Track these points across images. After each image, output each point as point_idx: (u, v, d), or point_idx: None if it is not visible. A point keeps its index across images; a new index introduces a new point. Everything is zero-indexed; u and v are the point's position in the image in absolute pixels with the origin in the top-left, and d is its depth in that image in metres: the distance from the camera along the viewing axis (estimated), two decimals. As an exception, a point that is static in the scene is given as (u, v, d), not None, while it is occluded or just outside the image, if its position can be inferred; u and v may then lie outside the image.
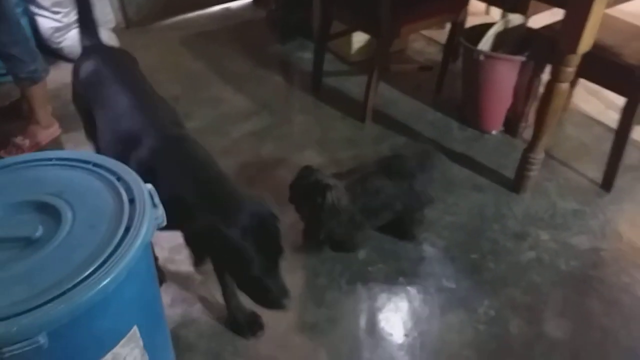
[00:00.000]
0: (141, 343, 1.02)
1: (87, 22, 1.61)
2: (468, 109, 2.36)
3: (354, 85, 2.60)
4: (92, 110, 1.46)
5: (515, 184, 2.00)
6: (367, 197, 1.63)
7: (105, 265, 0.86)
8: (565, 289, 1.67)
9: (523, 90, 2.18)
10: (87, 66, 1.52)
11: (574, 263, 1.75)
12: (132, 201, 0.98)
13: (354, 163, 1.95)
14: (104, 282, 0.84)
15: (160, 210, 1.02)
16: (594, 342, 1.52)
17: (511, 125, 2.29)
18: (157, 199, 1.03)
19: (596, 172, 2.05)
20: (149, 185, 1.04)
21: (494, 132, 2.32)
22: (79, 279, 0.83)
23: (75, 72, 1.54)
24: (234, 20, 3.40)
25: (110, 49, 1.58)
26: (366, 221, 1.68)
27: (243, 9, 3.54)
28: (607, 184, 2.01)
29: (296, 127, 2.42)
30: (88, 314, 0.83)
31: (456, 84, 2.46)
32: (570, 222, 1.89)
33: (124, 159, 1.24)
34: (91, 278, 0.84)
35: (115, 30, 3.01)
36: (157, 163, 1.25)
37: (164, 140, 1.30)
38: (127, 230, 0.92)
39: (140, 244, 0.91)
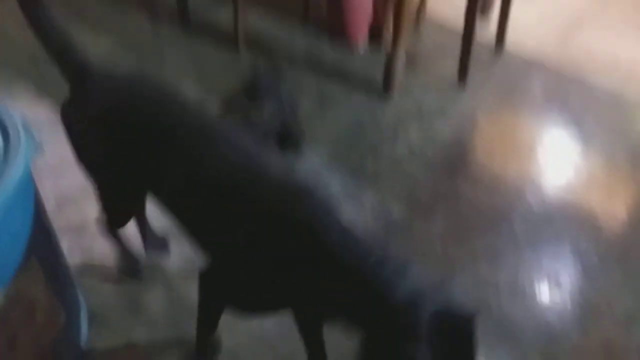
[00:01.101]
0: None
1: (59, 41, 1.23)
2: (335, 26, 2.46)
3: (223, 17, 2.57)
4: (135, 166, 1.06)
5: (383, 88, 2.16)
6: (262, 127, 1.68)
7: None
8: (435, 175, 1.90)
9: (381, 2, 2.32)
10: (109, 96, 1.12)
11: (441, 152, 1.97)
12: (5, 132, 0.96)
13: (234, 92, 1.98)
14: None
15: (36, 138, 1.01)
16: (463, 215, 1.75)
17: (375, 37, 2.43)
18: (30, 130, 1.01)
19: (452, 70, 2.27)
20: (21, 116, 1.01)
21: (360, 46, 2.45)
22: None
23: (82, 110, 1.13)
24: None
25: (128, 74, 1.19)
26: None
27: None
28: (462, 80, 2.24)
29: (169, 63, 2.38)
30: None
31: (321, 3, 2.53)
32: (435, 117, 2.11)
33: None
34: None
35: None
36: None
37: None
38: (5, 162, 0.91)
39: (21, 173, 0.91)
